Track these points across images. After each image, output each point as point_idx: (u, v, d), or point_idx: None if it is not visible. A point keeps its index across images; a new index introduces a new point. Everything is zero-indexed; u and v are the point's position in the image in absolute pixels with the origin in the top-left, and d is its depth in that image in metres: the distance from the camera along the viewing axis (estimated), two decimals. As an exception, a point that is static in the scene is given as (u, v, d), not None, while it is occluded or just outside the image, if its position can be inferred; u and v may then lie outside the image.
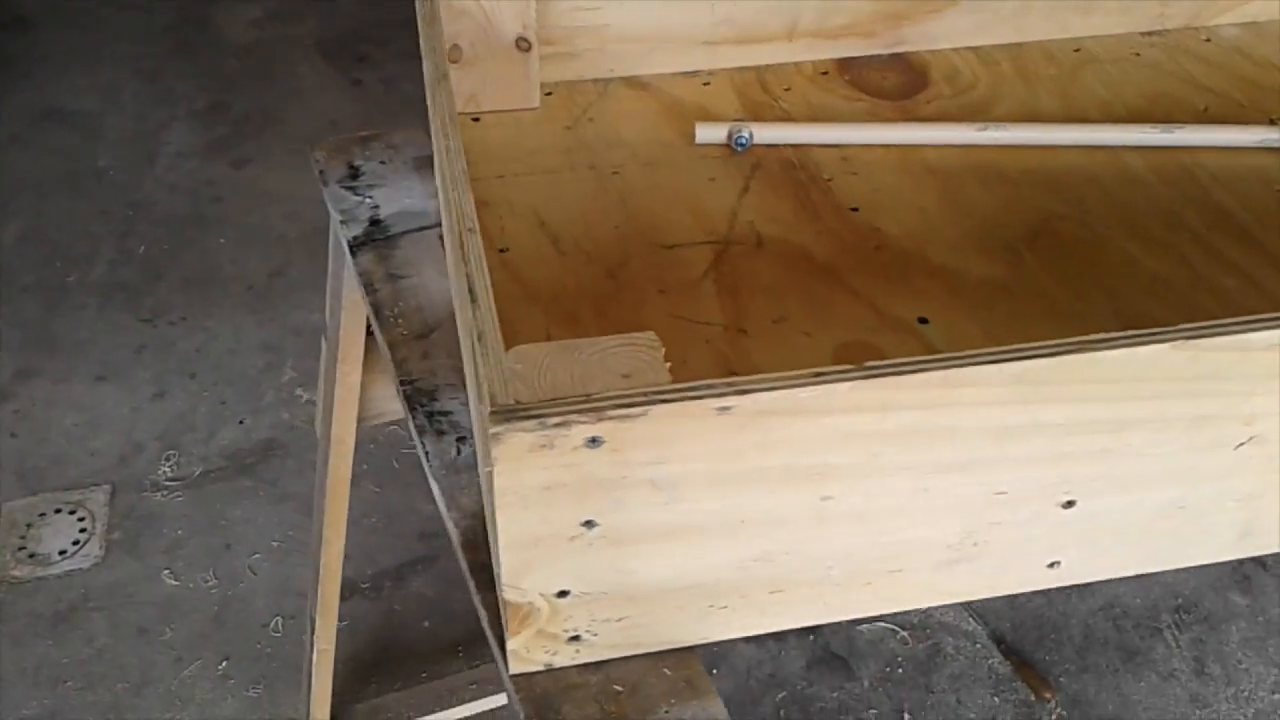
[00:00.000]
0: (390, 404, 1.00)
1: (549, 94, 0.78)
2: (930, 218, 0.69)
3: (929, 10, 0.82)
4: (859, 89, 0.80)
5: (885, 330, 0.61)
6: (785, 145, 0.74)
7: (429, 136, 0.85)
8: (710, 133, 0.74)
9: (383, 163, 0.84)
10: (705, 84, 0.80)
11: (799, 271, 0.65)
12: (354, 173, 0.83)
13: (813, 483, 0.48)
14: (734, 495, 0.48)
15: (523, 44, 0.74)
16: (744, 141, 0.73)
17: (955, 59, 0.83)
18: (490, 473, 0.44)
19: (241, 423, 1.61)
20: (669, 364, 0.47)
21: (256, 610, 1.37)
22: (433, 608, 1.39)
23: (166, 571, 1.41)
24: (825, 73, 0.82)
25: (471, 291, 0.47)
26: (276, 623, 1.36)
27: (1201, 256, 0.66)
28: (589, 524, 0.47)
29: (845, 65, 0.82)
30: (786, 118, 0.77)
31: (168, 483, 1.52)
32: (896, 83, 0.81)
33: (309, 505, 1.49)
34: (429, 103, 0.63)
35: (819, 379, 0.45)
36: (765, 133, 0.74)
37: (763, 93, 0.80)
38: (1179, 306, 0.63)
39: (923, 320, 0.62)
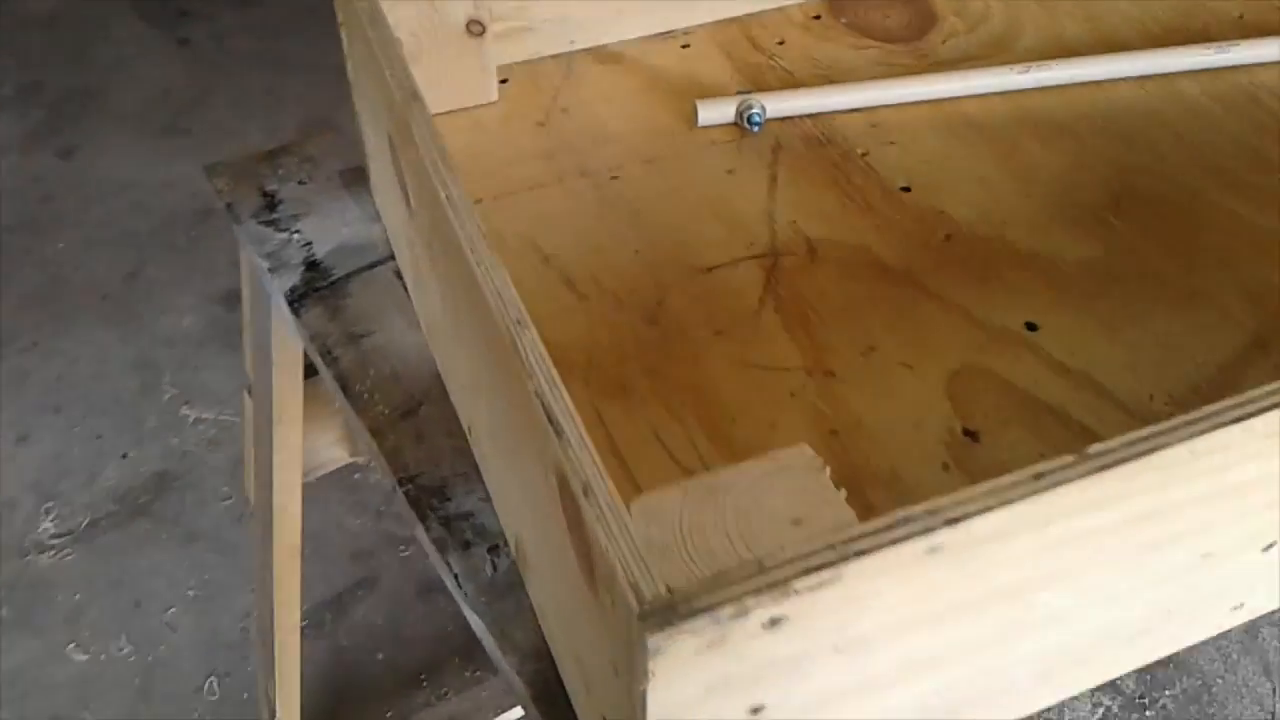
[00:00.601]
0: (331, 451, 0.86)
1: (504, 82, 0.64)
2: (994, 189, 0.58)
3: (925, -69, 0.70)
4: (861, 33, 0.68)
5: (994, 346, 0.50)
6: (802, 116, 0.62)
7: (349, 139, 0.70)
8: (714, 111, 0.61)
9: (302, 183, 0.68)
10: (685, 46, 0.67)
11: (869, 281, 0.53)
12: (270, 201, 0.67)
13: (1016, 598, 0.38)
14: (924, 636, 0.37)
15: (475, 27, 0.59)
16: (758, 119, 0.60)
17: (957, -15, 0.72)
18: (643, 691, 0.32)
19: (125, 457, 1.42)
20: (824, 470, 0.35)
21: (185, 673, 1.22)
22: (383, 636, 1.26)
23: (72, 645, 1.24)
24: (817, 16, 0.69)
25: (554, 422, 0.34)
26: (210, 684, 1.21)
27: (1306, 201, 0.57)
28: (757, 710, 0.35)
29: (838, 4, 0.70)
30: (791, 80, 0.65)
31: (52, 540, 1.33)
32: (901, 20, 0.69)
33: (221, 543, 1.33)
34: (392, 139, 0.49)
35: (1041, 483, 0.34)
36: (777, 104, 0.61)
37: (754, 50, 0.67)
38: (1305, 268, 0.54)
39: (1031, 326, 0.51)
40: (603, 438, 0.47)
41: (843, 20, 0.69)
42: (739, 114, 0.61)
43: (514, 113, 0.62)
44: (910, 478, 0.45)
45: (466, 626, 0.51)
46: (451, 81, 0.61)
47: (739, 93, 0.63)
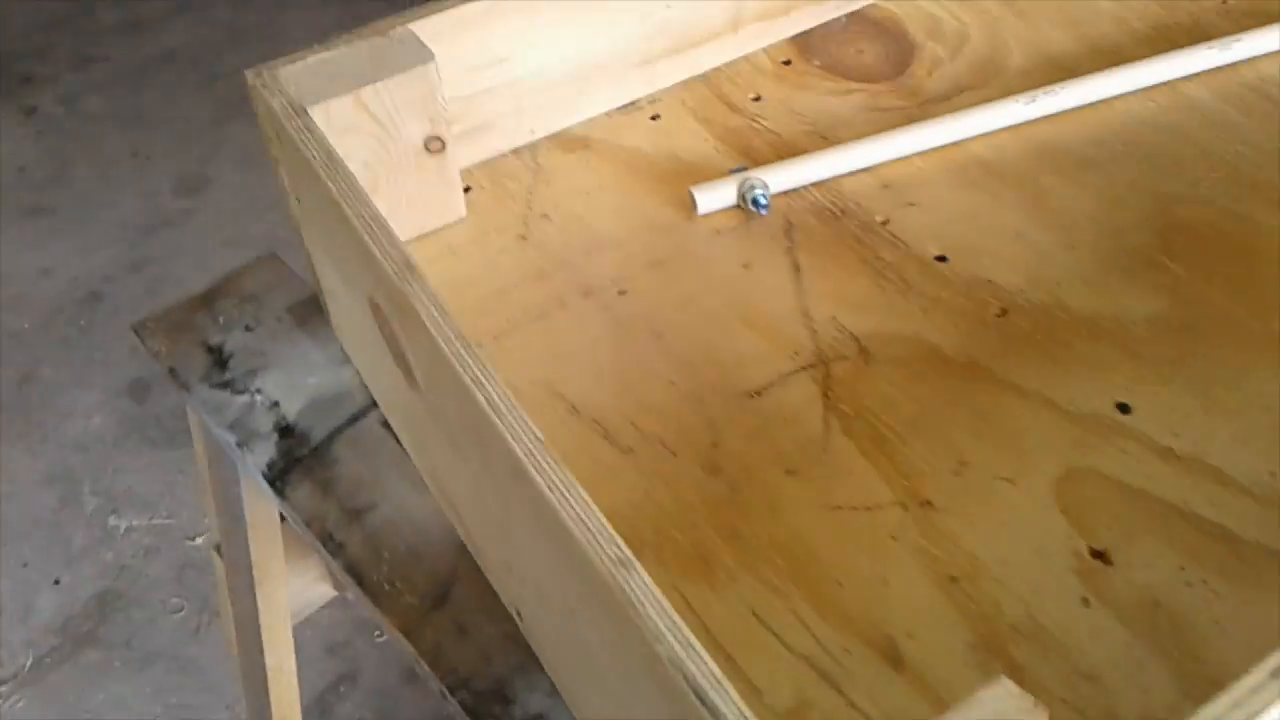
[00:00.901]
0: (315, 590, 0.79)
1: (468, 190, 0.57)
2: (1035, 246, 0.53)
3: (889, -48, 0.64)
4: (839, 75, 0.63)
5: (1091, 439, 0.46)
6: (806, 186, 0.56)
7: (287, 265, 0.62)
8: (713, 197, 0.55)
9: (249, 328, 0.60)
10: (654, 118, 0.61)
11: (934, 379, 0.48)
12: (218, 358, 0.59)
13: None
14: None
15: (434, 144, 0.52)
16: (763, 201, 0.54)
17: (926, 4, 0.66)
18: None
19: (57, 583, 1.31)
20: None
21: (170, 811, 1.13)
22: (377, 732, 1.19)
23: (40, 804, 1.14)
24: (787, 62, 0.64)
25: (704, 701, 0.29)
26: (200, 818, 1.12)
27: (1354, 208, 0.54)
28: None
29: (806, 46, 0.64)
30: (779, 141, 0.59)
31: (-4, 690, 1.23)
32: (877, 55, 0.64)
33: (181, 660, 1.24)
34: (376, 303, 0.41)
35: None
36: (777, 177, 0.56)
37: (729, 111, 0.61)
38: (1378, 289, 0.51)
39: (1123, 408, 0.47)
40: (696, 625, 0.41)
41: (815, 63, 0.63)
42: (741, 196, 0.55)
43: (488, 227, 0.55)
44: (1050, 621, 0.40)
45: (459, 708, 0.46)
46: (414, 205, 0.54)
47: (733, 171, 0.56)
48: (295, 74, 0.49)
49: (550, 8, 0.55)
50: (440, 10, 0.52)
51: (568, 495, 0.33)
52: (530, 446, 0.35)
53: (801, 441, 0.46)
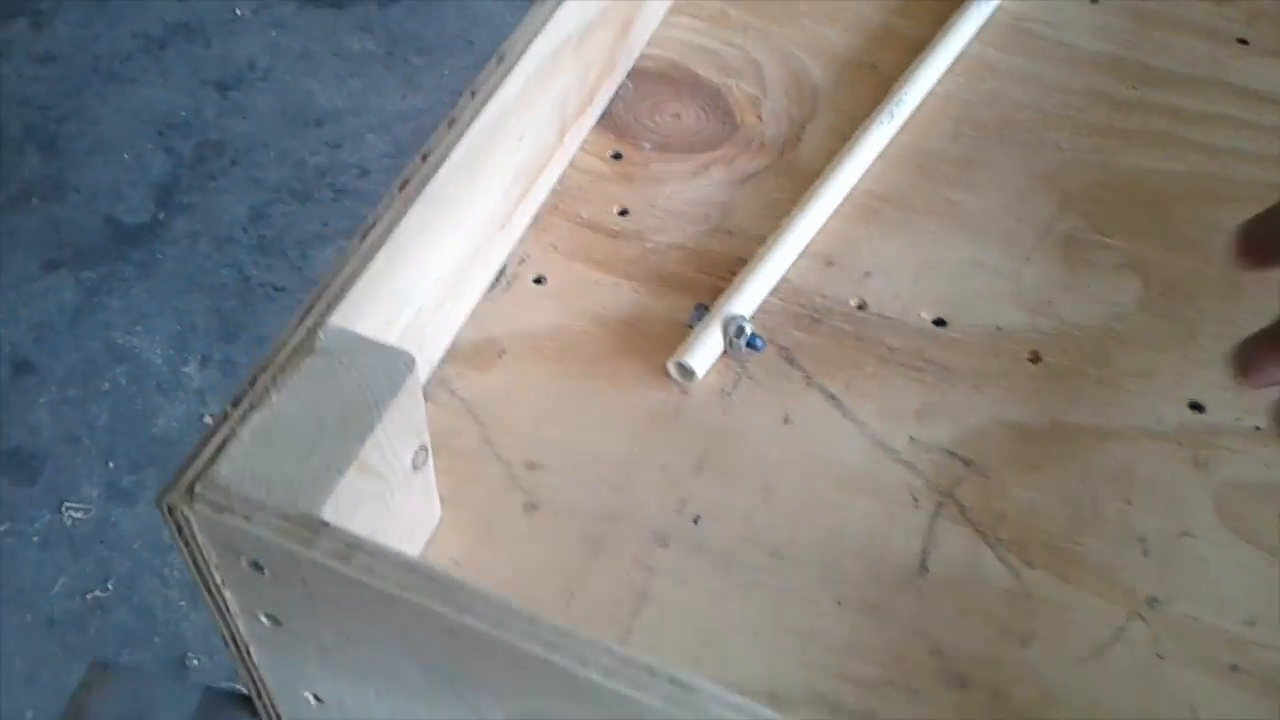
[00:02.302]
0: None
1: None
2: (997, 269, 0.51)
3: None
4: (677, 150, 0.55)
5: (1203, 453, 0.46)
6: (771, 298, 0.49)
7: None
8: (702, 358, 0.46)
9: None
10: (539, 281, 0.49)
11: (1047, 462, 0.45)
12: None
13: None
14: None
15: (420, 457, 0.38)
16: (758, 340, 0.47)
17: (684, 37, 0.60)
18: None
19: None
20: None
21: None
22: None
23: None
24: (617, 155, 0.54)
25: None
26: None
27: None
28: None
29: (617, 128, 0.55)
30: (689, 254, 0.51)
31: None
32: (694, 113, 0.56)
33: None
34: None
35: None
36: (742, 301, 0.48)
37: (608, 238, 0.51)
38: None
39: (1196, 406, 0.47)
40: None
41: (645, 146, 0.55)
42: (729, 343, 0.47)
43: (480, 513, 0.42)
44: (1335, 658, 0.41)
45: None
46: (395, 531, 0.39)
47: (694, 317, 0.48)
48: (244, 471, 0.33)
49: (437, 215, 0.41)
50: (352, 279, 0.37)
51: None
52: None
53: (1003, 599, 0.42)
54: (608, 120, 0.56)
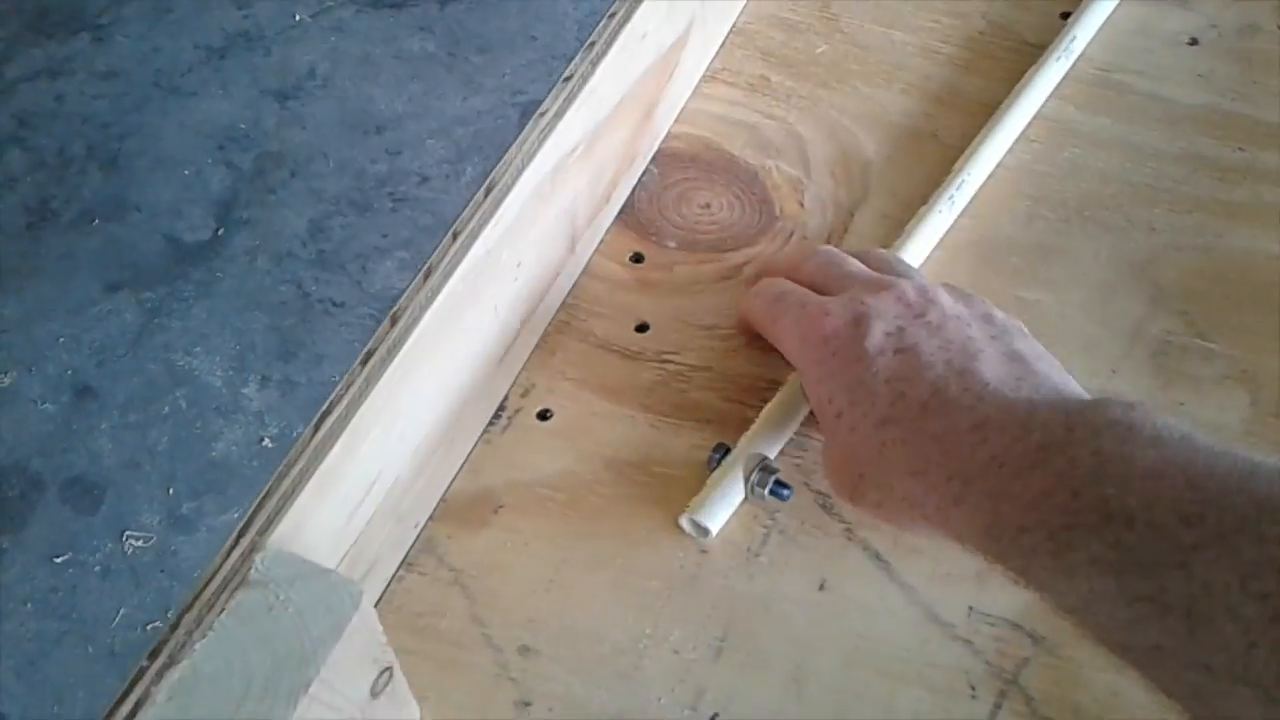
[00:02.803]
0: None
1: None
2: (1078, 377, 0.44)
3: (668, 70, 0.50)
4: (703, 249, 0.49)
5: None
6: (804, 432, 0.43)
7: None
8: (717, 512, 0.40)
9: None
10: (544, 416, 0.44)
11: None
12: None
13: None
14: None
15: (384, 678, 0.33)
16: (783, 489, 0.40)
17: (721, 110, 0.53)
18: None
19: None
20: None
21: None
22: None
23: None
24: (637, 258, 0.48)
25: None
26: None
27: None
28: None
29: (639, 225, 0.49)
30: (717, 378, 0.44)
31: None
32: (727, 201, 0.50)
33: None
34: None
35: None
36: (768, 443, 0.42)
37: (623, 360, 0.45)
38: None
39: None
40: None
41: (670, 245, 0.49)
42: (751, 491, 0.40)
43: (461, 710, 0.37)
44: None
45: None
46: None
47: (713, 461, 0.41)
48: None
49: (410, 383, 0.36)
50: (301, 481, 0.32)
51: None
52: None
53: (1079, 821, 0.35)
54: (628, 215, 0.49)
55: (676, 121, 0.53)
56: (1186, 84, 0.54)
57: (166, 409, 1.39)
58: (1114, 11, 0.57)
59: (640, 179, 0.50)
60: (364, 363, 0.35)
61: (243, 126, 1.66)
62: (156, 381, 1.42)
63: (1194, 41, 0.56)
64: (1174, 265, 0.48)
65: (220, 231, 1.55)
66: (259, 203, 1.58)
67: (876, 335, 0.36)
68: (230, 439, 1.37)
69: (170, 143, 1.64)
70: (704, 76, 0.54)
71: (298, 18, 1.80)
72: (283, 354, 1.44)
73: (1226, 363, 0.45)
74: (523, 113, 1.69)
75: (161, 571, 1.29)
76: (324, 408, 0.34)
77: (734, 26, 0.56)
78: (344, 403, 0.34)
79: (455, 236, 0.37)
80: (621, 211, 0.49)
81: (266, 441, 1.37)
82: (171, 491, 1.34)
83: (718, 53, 0.55)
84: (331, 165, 1.63)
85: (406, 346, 0.35)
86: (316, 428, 0.33)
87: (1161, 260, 0.48)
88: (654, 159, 0.51)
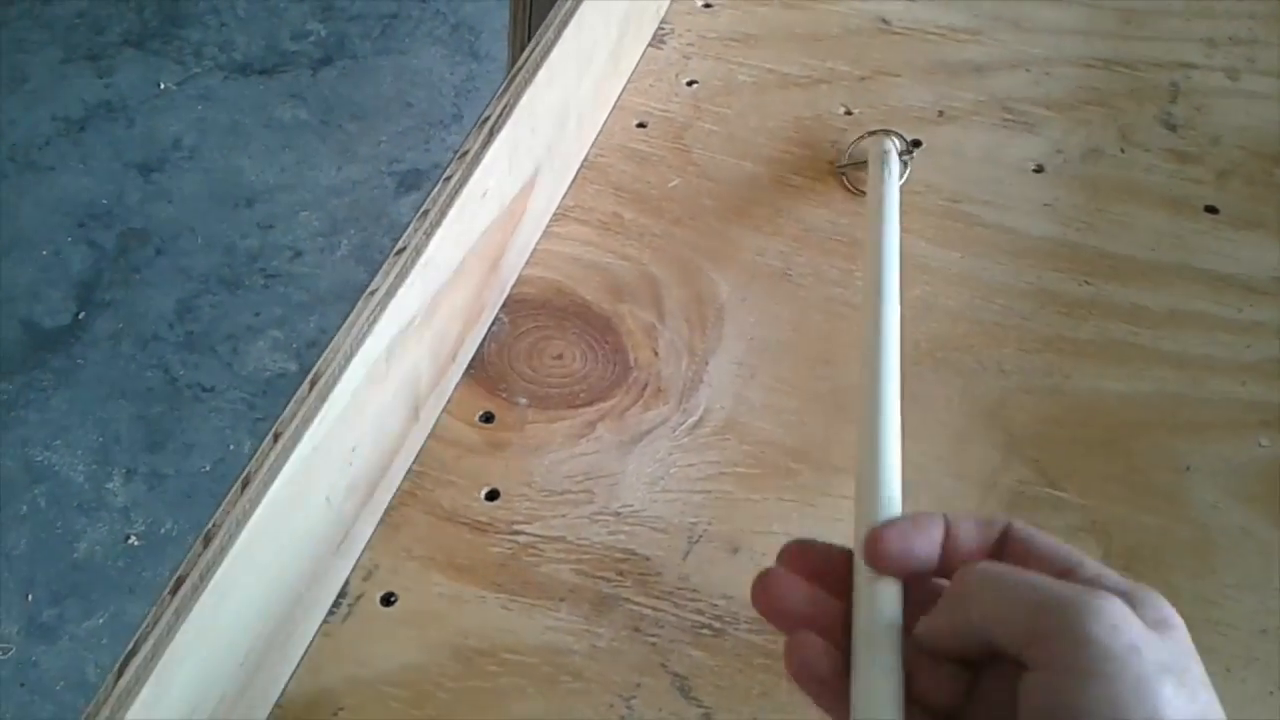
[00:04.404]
0: None
1: None
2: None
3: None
4: (557, 404, 0.47)
5: None
6: (664, 604, 0.42)
7: None
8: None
9: None
10: (387, 600, 0.41)
11: None
12: None
13: None
14: None
15: None
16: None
17: (574, 250, 0.52)
18: None
19: None
20: None
21: None
22: None
23: None
24: (488, 417, 0.46)
25: None
26: None
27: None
28: None
29: (488, 380, 0.48)
30: (570, 548, 0.43)
31: None
32: (580, 351, 0.49)
33: None
34: None
35: None
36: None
37: (470, 530, 0.43)
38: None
39: None
40: None
41: (522, 402, 0.47)
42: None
43: None
44: None
45: None
46: None
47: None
48: None
49: (240, 585, 0.34)
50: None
51: None
52: None
53: None
54: (477, 369, 0.48)
55: (527, 264, 0.51)
56: (1033, 213, 0.55)
57: (24, 508, 1.32)
58: (961, 137, 0.57)
59: (489, 328, 0.49)
60: (173, 591, 0.32)
61: (105, 202, 1.60)
62: (13, 479, 1.34)
63: (1039, 169, 0.57)
64: (1024, 409, 0.48)
65: (81, 315, 1.49)
66: (123, 283, 1.52)
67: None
68: (94, 538, 1.31)
69: (27, 221, 1.57)
70: (554, 214, 0.53)
71: (162, 86, 1.75)
72: (150, 444, 1.38)
73: (1078, 513, 0.45)
74: (400, 182, 1.66)
75: (21, 685, 1.21)
76: (129, 647, 0.31)
77: (585, 159, 0.55)
78: (150, 641, 0.31)
79: (276, 438, 0.35)
80: (470, 365, 0.48)
81: (133, 539, 1.31)
82: (30, 598, 1.27)
83: (568, 188, 0.54)
84: (200, 241, 1.57)
85: (222, 568, 0.33)
86: (120, 672, 0.31)
87: (1012, 404, 0.48)
88: (504, 305, 0.50)
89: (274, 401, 1.42)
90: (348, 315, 0.39)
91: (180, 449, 1.38)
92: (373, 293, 0.39)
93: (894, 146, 0.53)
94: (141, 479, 1.35)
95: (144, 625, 0.32)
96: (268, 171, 1.66)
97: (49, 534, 1.31)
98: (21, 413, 1.39)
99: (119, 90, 1.73)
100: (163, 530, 1.31)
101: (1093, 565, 0.30)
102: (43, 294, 1.50)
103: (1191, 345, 0.50)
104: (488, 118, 0.45)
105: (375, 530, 0.43)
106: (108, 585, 1.28)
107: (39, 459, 1.36)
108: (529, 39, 1.02)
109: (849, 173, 0.55)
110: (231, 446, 1.38)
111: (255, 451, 0.35)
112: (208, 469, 1.36)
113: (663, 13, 0.63)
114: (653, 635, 0.41)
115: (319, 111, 1.74)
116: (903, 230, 0.53)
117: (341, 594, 0.41)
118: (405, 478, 0.44)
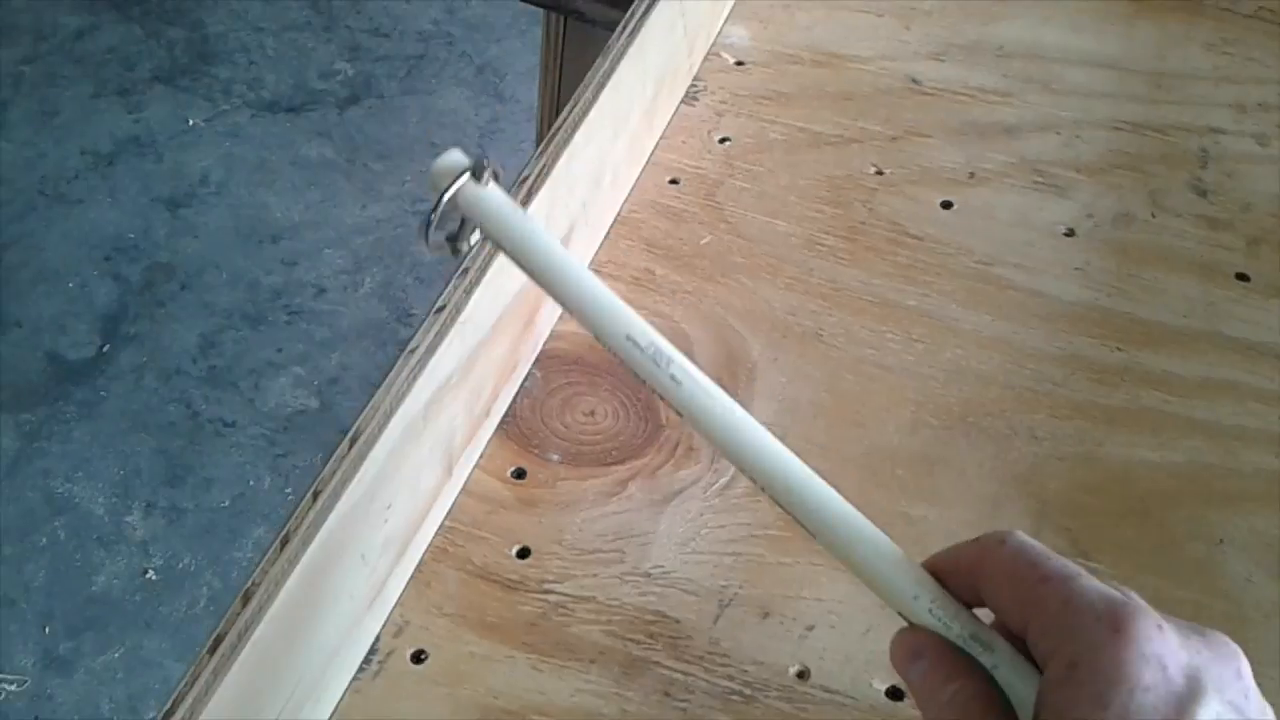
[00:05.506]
0: None
1: None
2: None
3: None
4: (590, 462, 0.47)
5: None
6: (694, 668, 0.41)
7: None
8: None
9: None
10: (417, 658, 0.41)
11: None
12: None
13: None
14: None
15: None
16: None
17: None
18: None
19: None
20: None
21: None
22: None
23: None
24: (519, 473, 0.47)
25: None
26: None
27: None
28: None
29: (520, 435, 0.48)
30: (600, 608, 0.43)
31: None
32: (611, 408, 0.49)
33: None
34: None
35: None
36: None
37: (503, 591, 0.43)
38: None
39: None
40: None
41: (554, 458, 0.47)
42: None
43: None
44: None
45: None
46: None
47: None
48: None
49: (278, 644, 0.34)
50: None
51: None
52: None
53: None
54: (509, 425, 0.48)
55: (560, 320, 0.52)
56: (1065, 278, 0.55)
57: (44, 540, 1.33)
58: (992, 199, 0.58)
59: (522, 384, 0.49)
60: (212, 650, 0.32)
61: (131, 236, 1.62)
62: (34, 510, 1.35)
63: (1070, 232, 0.57)
64: (1056, 476, 0.48)
65: (105, 348, 1.50)
66: (147, 316, 1.53)
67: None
68: (112, 571, 1.31)
69: (54, 254, 1.59)
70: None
71: (191, 122, 1.77)
72: (169, 479, 1.39)
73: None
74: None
75: (35, 719, 1.21)
76: (167, 706, 0.31)
77: (618, 215, 0.56)
78: (188, 701, 0.31)
79: (316, 496, 0.35)
80: (503, 420, 0.48)
81: (150, 574, 1.31)
82: (48, 630, 1.27)
83: (601, 244, 0.55)
84: (224, 276, 1.59)
85: (260, 627, 0.33)
86: (157, 734, 0.31)
87: (1044, 471, 0.48)
88: (536, 360, 0.50)
89: (294, 438, 1.42)
90: (387, 373, 0.39)
91: (200, 484, 1.38)
92: (413, 351, 0.39)
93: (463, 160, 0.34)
94: (161, 513, 1.36)
95: (182, 684, 0.32)
96: (293, 209, 1.68)
97: (68, 566, 1.31)
98: (44, 444, 1.40)
99: (148, 126, 1.76)
100: (180, 565, 1.32)
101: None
102: (68, 326, 1.51)
103: (1224, 415, 0.50)
104: (526, 178, 0.46)
105: (406, 586, 0.43)
106: (124, 619, 1.28)
107: (60, 490, 1.37)
108: (560, 86, 1.04)
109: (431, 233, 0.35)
110: (251, 482, 1.38)
111: (274, 488, 0.35)
112: (227, 504, 1.37)
113: (695, 70, 0.64)
114: (683, 700, 0.41)
115: (345, 150, 1.76)
116: (935, 292, 0.53)
117: (372, 650, 0.41)
118: (437, 533, 0.45)
